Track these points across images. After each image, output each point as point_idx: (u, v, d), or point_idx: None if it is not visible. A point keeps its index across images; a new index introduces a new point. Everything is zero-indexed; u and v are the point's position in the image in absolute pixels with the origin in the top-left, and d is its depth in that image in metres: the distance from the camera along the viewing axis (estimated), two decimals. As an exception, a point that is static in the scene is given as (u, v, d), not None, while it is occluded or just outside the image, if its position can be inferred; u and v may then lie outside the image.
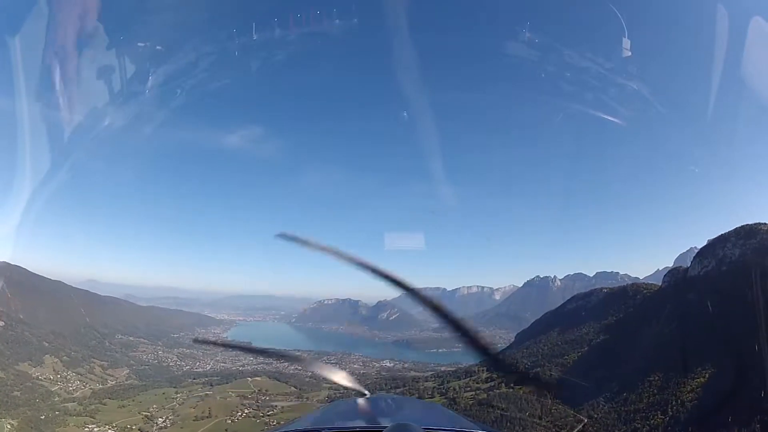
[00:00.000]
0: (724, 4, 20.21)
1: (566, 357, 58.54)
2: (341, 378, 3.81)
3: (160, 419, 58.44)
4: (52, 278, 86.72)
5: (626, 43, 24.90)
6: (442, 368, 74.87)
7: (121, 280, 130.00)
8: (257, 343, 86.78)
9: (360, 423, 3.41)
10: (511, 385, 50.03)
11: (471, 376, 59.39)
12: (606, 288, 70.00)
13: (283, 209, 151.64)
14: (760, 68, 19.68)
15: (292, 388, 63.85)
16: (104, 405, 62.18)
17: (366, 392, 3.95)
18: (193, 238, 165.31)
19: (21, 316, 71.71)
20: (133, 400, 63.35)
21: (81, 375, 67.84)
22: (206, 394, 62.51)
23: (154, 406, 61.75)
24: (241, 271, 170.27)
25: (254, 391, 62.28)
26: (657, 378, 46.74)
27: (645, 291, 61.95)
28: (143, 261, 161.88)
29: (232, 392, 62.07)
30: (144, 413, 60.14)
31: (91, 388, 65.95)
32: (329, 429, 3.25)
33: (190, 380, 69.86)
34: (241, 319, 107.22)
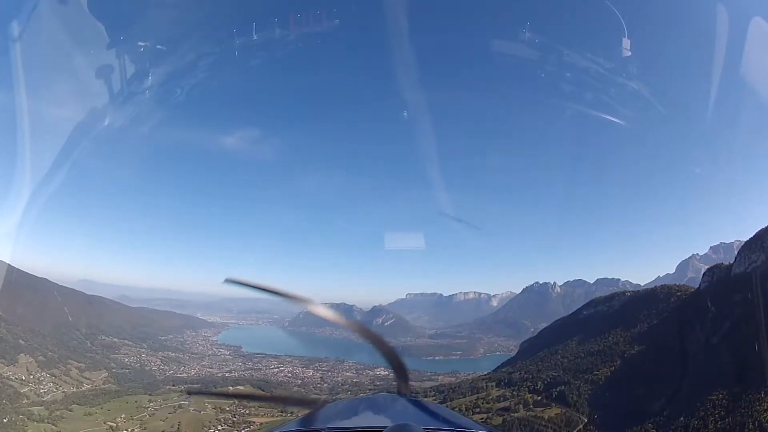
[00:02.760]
0: (724, 4, 18.65)
1: (596, 372, 47.40)
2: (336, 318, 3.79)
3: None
4: (38, 275, 76.67)
5: (626, 43, 22.55)
6: (440, 377, 67.28)
7: (117, 280, 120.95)
8: (248, 347, 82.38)
9: (360, 423, 3.18)
10: (531, 406, 39.31)
11: (478, 393, 49.32)
12: (629, 291, 60.26)
13: (281, 210, 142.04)
14: (760, 68, 18.61)
15: None
16: (70, 411, 53.93)
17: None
18: (190, 239, 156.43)
19: (0, 313, 63.17)
20: (102, 408, 54.79)
21: (55, 377, 59.58)
22: (180, 405, 53.77)
23: (123, 415, 53.37)
24: (237, 273, 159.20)
25: (234, 403, 52.56)
26: (720, 396, 36.62)
27: (679, 293, 51.87)
28: (139, 261, 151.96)
29: (209, 403, 52.14)
30: (109, 423, 52.14)
31: (63, 392, 57.72)
32: (329, 429, 3.02)
33: (167, 387, 61.38)
34: (233, 322, 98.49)
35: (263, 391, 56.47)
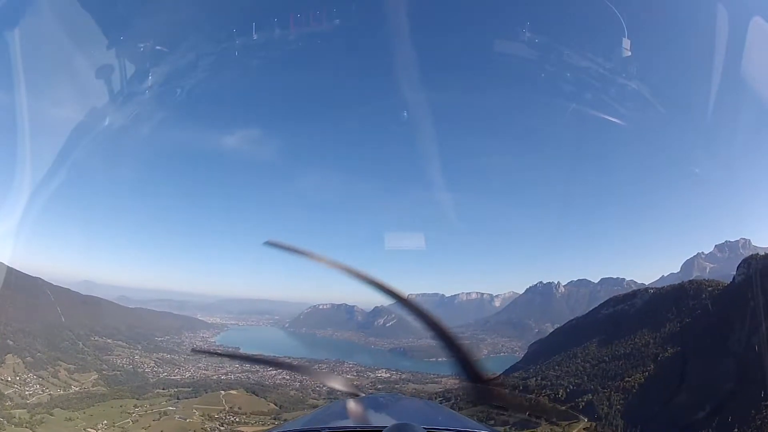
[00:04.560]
0: (724, 4, 17.84)
1: (627, 379, 40.64)
2: (338, 384, 3.61)
3: (103, 440, 44.92)
4: (32, 274, 71.79)
5: (626, 43, 21.03)
6: (443, 380, 62.31)
7: (117, 281, 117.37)
8: (246, 349, 76.72)
9: (360, 423, 3.13)
10: (554, 419, 32.86)
11: None
12: (652, 288, 53.61)
13: (281, 211, 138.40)
14: (760, 68, 17.19)
15: (272, 405, 49.68)
16: (52, 416, 49.30)
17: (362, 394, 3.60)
18: (190, 240, 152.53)
19: (-12, 312, 60.68)
20: (85, 412, 50.21)
21: (42, 378, 55.45)
22: (165, 412, 49.14)
23: (105, 421, 48.53)
24: (237, 274, 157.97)
25: (224, 409, 46.95)
26: (781, 402, 29.89)
27: (710, 288, 45.36)
28: (140, 262, 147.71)
29: (197, 409, 45.98)
30: (90, 429, 47.65)
31: (50, 394, 53.61)
32: (329, 429, 2.94)
33: (157, 391, 56.71)
34: (233, 323, 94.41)
35: (256, 395, 50.35)
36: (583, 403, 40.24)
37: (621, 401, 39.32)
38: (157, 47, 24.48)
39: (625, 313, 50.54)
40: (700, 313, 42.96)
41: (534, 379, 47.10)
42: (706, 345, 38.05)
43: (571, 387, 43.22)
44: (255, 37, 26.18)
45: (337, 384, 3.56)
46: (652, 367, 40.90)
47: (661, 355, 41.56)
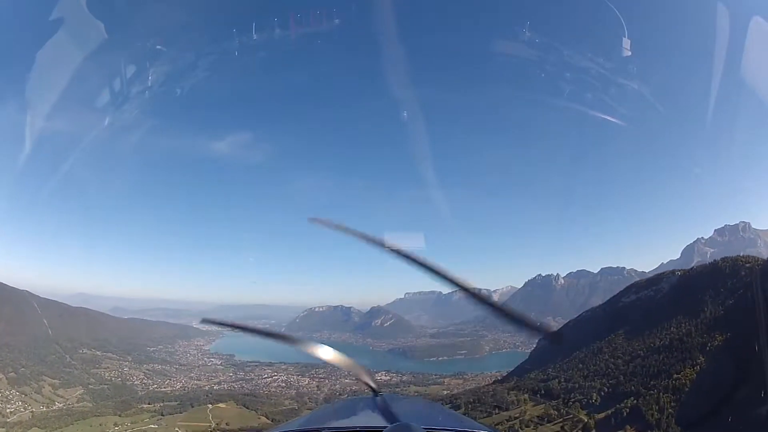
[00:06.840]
0: (724, 4, 17.93)
1: (677, 376, 32.56)
2: (352, 367, 3.20)
3: (77, 464, 40.74)
4: (19, 287, 69.88)
5: (626, 43, 21.18)
6: (446, 380, 59.15)
7: (112, 292, 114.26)
8: (241, 356, 74.77)
9: (360, 423, 2.98)
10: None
11: (507, 410, 35.66)
12: (679, 270, 47.80)
13: (280, 214, 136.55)
14: (760, 68, 17.57)
15: (263, 418, 43.37)
16: None
17: (375, 387, 3.27)
18: (185, 248, 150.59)
19: (-29, 328, 57.60)
20: (62, 431, 45.91)
21: (25, 395, 51.68)
22: (146, 431, 43.19)
23: None
24: (233, 280, 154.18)
25: (210, 426, 40.48)
26: None
27: (748, 264, 39.36)
28: (135, 272, 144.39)
29: (181, 426, 40.36)
30: None
31: (32, 411, 49.77)
32: (329, 429, 2.89)
33: (141, 406, 51.63)
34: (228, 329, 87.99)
35: (247, 408, 44.48)
36: (627, 410, 32.96)
37: (672, 403, 32.02)
38: (158, 47, 25.19)
39: (651, 300, 44.45)
40: (742, 293, 36.43)
41: (557, 380, 39.90)
42: (757, 326, 31.43)
43: (606, 389, 36.07)
44: (255, 37, 27.07)
45: (351, 367, 3.04)
46: (702, 359, 33.66)
47: (708, 344, 34.38)
